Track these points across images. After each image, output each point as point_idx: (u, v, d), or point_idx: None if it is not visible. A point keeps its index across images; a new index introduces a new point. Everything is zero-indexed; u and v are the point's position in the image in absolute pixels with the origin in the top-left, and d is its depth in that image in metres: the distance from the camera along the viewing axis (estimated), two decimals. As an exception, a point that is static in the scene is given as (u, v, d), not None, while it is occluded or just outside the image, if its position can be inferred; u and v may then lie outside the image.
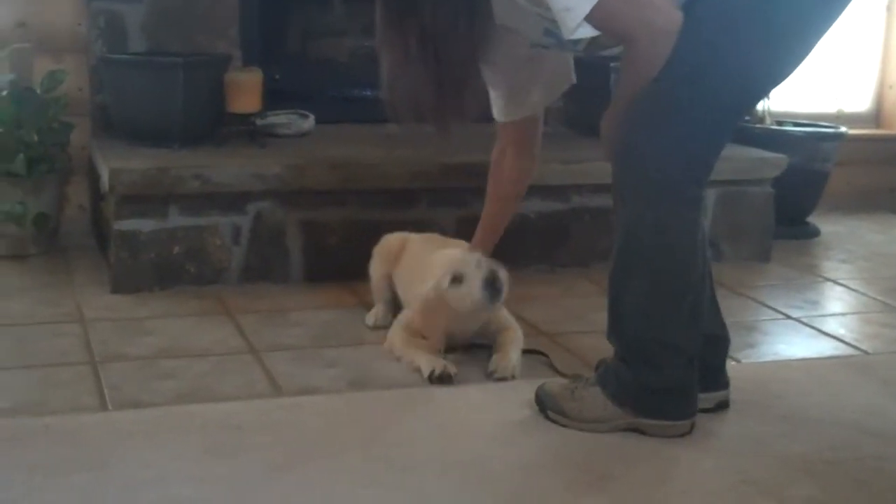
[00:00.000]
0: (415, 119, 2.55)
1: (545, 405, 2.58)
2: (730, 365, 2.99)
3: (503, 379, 2.83)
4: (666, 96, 2.38)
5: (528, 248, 3.88)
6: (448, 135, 2.59)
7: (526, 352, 3.01)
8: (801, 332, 3.41)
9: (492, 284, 2.83)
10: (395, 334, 3.03)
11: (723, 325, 2.72)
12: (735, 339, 3.19)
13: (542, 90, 2.85)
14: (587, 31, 2.37)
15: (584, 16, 2.32)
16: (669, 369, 2.50)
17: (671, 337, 2.48)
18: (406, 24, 2.43)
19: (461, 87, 2.50)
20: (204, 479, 2.25)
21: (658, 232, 2.42)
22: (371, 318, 3.26)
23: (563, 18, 2.35)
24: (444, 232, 3.76)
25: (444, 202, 3.80)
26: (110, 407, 2.63)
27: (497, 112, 2.87)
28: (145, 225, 3.51)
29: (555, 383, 2.63)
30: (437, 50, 2.42)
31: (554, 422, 2.56)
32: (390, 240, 3.32)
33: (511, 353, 2.93)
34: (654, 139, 2.38)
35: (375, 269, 3.31)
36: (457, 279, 2.86)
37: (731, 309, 3.53)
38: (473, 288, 2.83)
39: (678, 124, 2.38)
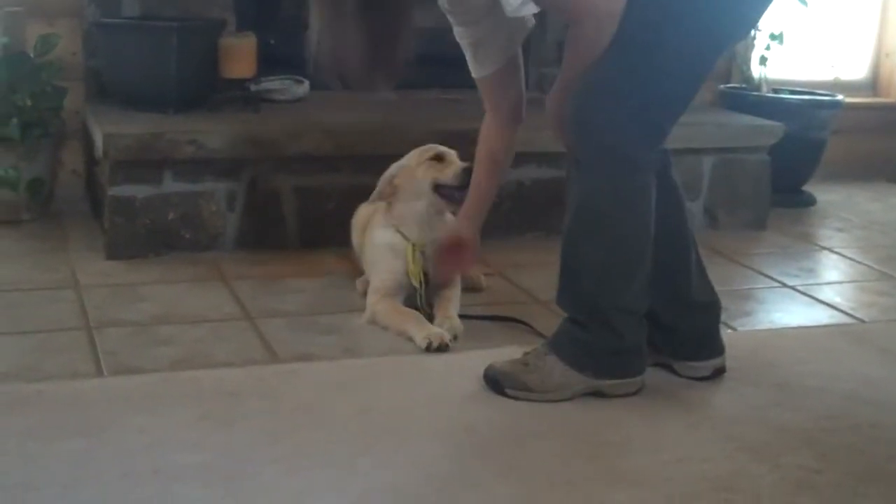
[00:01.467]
0: (343, 78, 2.46)
1: (501, 384, 2.56)
2: (725, 333, 2.99)
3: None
4: (618, 64, 2.39)
5: (523, 215, 3.87)
6: (375, 92, 2.67)
7: (506, 319, 3.04)
8: (797, 300, 3.41)
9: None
10: (375, 305, 3.02)
11: (712, 291, 2.74)
12: (731, 307, 3.22)
13: (504, 36, 2.76)
14: (530, 8, 2.42)
15: None
16: (625, 331, 2.54)
17: (627, 300, 2.52)
18: None
19: (397, 35, 2.42)
20: (200, 445, 2.25)
21: (613, 197, 2.45)
22: (359, 285, 3.25)
23: None
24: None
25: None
26: (105, 373, 2.62)
27: (472, 68, 2.81)
28: (140, 190, 3.49)
29: (503, 363, 2.60)
30: (373, 5, 2.36)
31: (515, 398, 2.54)
32: (361, 210, 3.33)
33: (452, 312, 3.00)
34: (607, 107, 2.40)
35: (354, 239, 3.33)
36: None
37: (726, 277, 3.55)
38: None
39: (631, 92, 2.40)
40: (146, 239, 3.51)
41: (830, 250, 4.03)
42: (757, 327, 3.17)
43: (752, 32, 4.75)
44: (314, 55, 2.49)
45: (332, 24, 2.40)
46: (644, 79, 2.41)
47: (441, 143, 3.61)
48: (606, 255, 2.50)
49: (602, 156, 2.43)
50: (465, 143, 3.69)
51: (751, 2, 2.50)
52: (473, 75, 2.83)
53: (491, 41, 2.74)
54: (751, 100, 4.66)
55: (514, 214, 3.83)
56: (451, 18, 2.69)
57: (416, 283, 3.01)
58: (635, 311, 2.55)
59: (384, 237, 3.10)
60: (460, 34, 2.75)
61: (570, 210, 2.53)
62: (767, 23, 4.74)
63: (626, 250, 2.50)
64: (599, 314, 2.52)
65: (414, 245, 3.03)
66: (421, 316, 2.94)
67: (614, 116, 2.40)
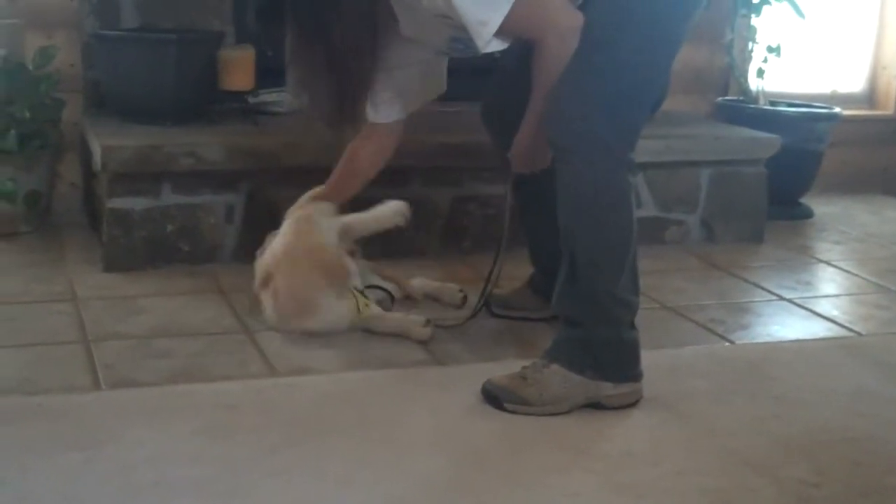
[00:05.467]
0: (321, 119, 2.93)
1: (500, 399, 2.57)
2: (723, 346, 3.01)
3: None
4: (583, 63, 2.55)
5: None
6: (344, 133, 2.98)
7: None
8: (795, 313, 3.41)
9: None
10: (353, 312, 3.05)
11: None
12: (728, 320, 3.24)
13: (419, 94, 3.04)
14: (498, 45, 2.60)
15: (497, 27, 2.54)
16: (621, 323, 2.60)
17: (620, 291, 2.58)
18: (316, 43, 2.68)
19: (359, 97, 2.80)
20: (198, 459, 2.25)
21: (599, 188, 2.55)
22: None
23: (477, 31, 2.56)
24: (437, 211, 3.77)
25: (438, 181, 3.79)
26: (103, 386, 2.62)
27: (374, 112, 3.02)
28: (138, 203, 3.49)
29: (500, 376, 2.62)
30: (342, 66, 2.69)
31: (514, 412, 2.55)
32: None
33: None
34: (580, 102, 2.53)
35: None
36: None
37: (724, 289, 3.56)
38: None
39: (598, 86, 2.53)
40: (144, 251, 3.51)
41: (828, 263, 4.03)
42: (755, 340, 3.17)
43: (750, 46, 4.77)
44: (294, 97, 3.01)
45: (305, 77, 2.80)
46: (607, 73, 2.53)
47: (441, 155, 3.65)
48: (597, 239, 2.57)
49: (581, 145, 2.53)
50: (466, 156, 3.72)
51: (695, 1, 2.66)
52: (372, 119, 3.03)
53: (407, 97, 3.00)
54: (748, 112, 4.67)
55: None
56: (382, 69, 2.89)
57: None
58: (628, 304, 2.60)
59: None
60: (387, 86, 2.96)
61: (559, 207, 2.59)
62: (765, 36, 4.76)
63: (615, 233, 2.57)
64: (595, 305, 2.57)
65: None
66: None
67: (586, 107, 2.52)
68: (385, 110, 3.02)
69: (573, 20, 2.56)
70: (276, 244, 3.03)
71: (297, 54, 2.77)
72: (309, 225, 3.03)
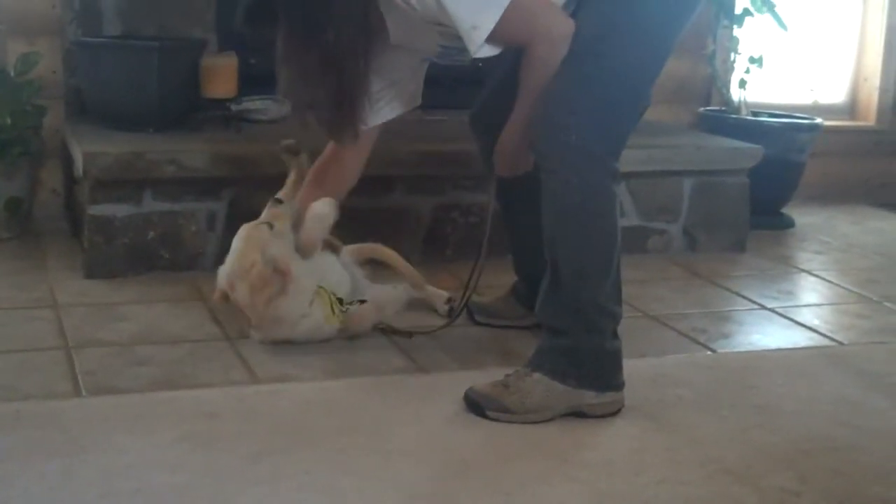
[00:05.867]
0: (320, 125, 2.88)
1: (482, 407, 2.57)
2: (705, 355, 3.01)
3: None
4: (572, 73, 2.56)
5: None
6: (346, 139, 2.87)
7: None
8: (777, 322, 3.42)
9: None
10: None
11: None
12: (710, 329, 3.25)
13: (397, 104, 2.99)
14: (490, 51, 2.60)
15: (489, 32, 2.54)
16: (604, 333, 2.60)
17: (604, 300, 2.59)
18: (308, 45, 2.65)
19: (355, 100, 2.74)
20: (180, 466, 2.24)
21: (586, 196, 2.55)
22: None
23: (469, 36, 2.56)
24: (419, 219, 3.77)
25: (421, 190, 3.79)
26: (84, 393, 2.61)
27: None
28: (120, 210, 3.48)
29: (483, 384, 2.61)
30: (336, 68, 2.66)
31: (496, 420, 2.55)
32: None
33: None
34: (568, 110, 2.54)
35: None
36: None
37: (706, 299, 3.56)
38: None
39: (585, 95, 2.55)
40: (126, 258, 3.50)
41: (809, 273, 4.04)
42: (736, 349, 3.17)
43: (732, 56, 4.79)
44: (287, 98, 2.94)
45: (298, 81, 2.76)
46: (595, 84, 2.55)
47: (424, 164, 3.65)
48: (582, 248, 2.57)
49: (567, 154, 2.54)
50: (449, 165, 3.72)
51: (686, 13, 2.67)
52: (362, 127, 2.93)
53: (386, 104, 2.95)
54: (730, 122, 4.69)
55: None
56: (378, 77, 2.85)
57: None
58: (612, 313, 2.61)
59: None
60: (388, 86, 2.92)
61: (544, 216, 2.59)
62: (748, 46, 4.78)
63: (599, 242, 2.58)
64: (579, 314, 2.57)
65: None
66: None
67: (573, 117, 2.53)
68: (368, 117, 2.97)
69: (565, 27, 2.58)
70: (227, 261, 2.98)
71: (288, 56, 2.74)
72: (252, 240, 2.94)
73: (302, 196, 3.04)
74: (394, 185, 3.73)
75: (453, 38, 2.61)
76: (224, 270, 2.96)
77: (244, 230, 2.98)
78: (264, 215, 3.00)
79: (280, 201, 3.04)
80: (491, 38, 2.57)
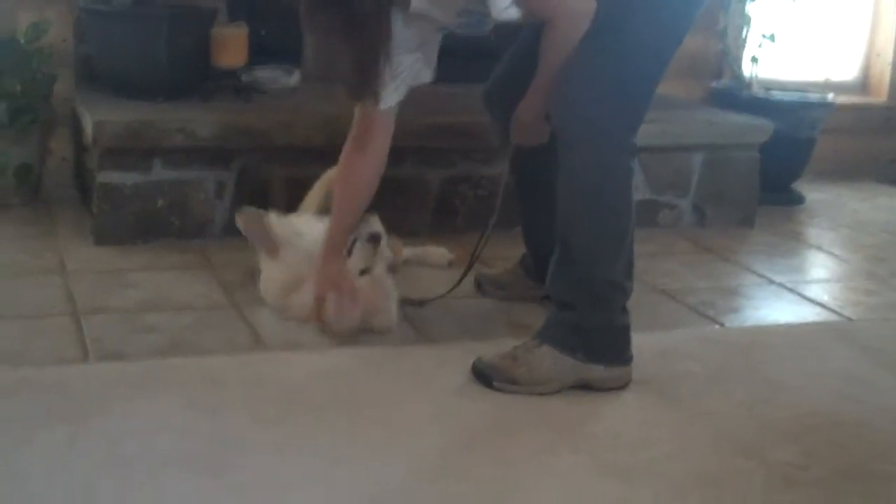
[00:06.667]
0: (344, 89, 2.78)
1: (489, 377, 2.57)
2: (714, 329, 3.01)
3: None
4: (592, 48, 2.56)
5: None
6: (368, 102, 2.79)
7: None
8: (785, 297, 3.41)
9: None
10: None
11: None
12: (718, 303, 3.25)
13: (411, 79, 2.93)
14: (513, 13, 2.58)
15: None
16: (614, 308, 2.60)
17: (616, 276, 2.59)
18: (332, 11, 2.58)
19: (377, 67, 2.67)
20: (186, 433, 2.24)
21: (602, 172, 2.55)
22: None
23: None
24: (429, 191, 3.76)
25: (430, 162, 3.78)
26: (92, 359, 2.62)
27: (388, 98, 2.87)
28: (129, 178, 3.48)
29: (491, 356, 2.62)
30: (359, 34, 2.59)
31: (501, 391, 2.55)
32: None
33: None
34: (586, 85, 2.54)
35: None
36: None
37: (715, 273, 3.56)
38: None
39: (605, 71, 2.54)
40: (134, 226, 3.50)
41: (818, 248, 4.03)
42: (744, 324, 3.17)
43: (745, 32, 4.77)
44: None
45: (324, 43, 2.69)
46: (615, 59, 2.54)
47: (434, 136, 3.63)
48: (597, 225, 2.57)
49: (585, 130, 2.53)
50: (459, 137, 3.71)
51: None
52: (383, 106, 2.85)
53: (409, 79, 2.89)
54: (742, 98, 4.67)
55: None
56: (402, 49, 2.77)
57: None
58: (623, 288, 2.61)
59: None
60: (408, 62, 2.84)
61: (560, 192, 2.58)
62: (760, 22, 4.76)
63: (615, 219, 2.58)
64: (590, 289, 2.57)
65: None
66: None
67: (592, 92, 2.53)
68: (392, 94, 2.92)
69: (586, 5, 2.57)
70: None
71: (311, 17, 2.67)
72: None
73: (344, 161, 2.94)
74: (404, 156, 3.72)
75: (476, 1, 2.58)
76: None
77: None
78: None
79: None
80: (514, 2, 2.55)
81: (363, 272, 2.86)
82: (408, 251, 3.38)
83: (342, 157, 2.92)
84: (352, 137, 2.90)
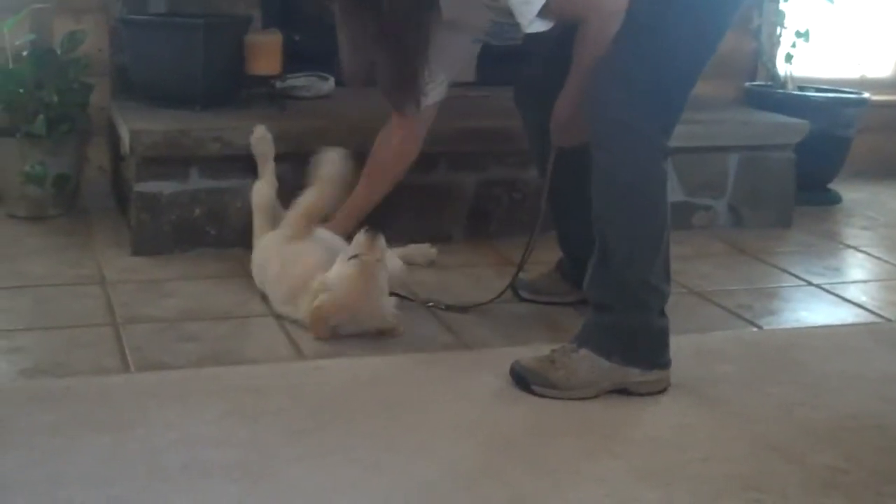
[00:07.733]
0: (384, 96, 2.95)
1: (527, 381, 2.57)
2: (751, 331, 2.99)
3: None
4: (627, 48, 2.55)
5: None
6: (408, 110, 2.94)
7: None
8: (823, 298, 3.40)
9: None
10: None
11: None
12: (756, 305, 3.23)
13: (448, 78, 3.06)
14: (542, 25, 2.60)
15: (540, 6, 2.55)
16: (651, 311, 2.59)
17: (653, 278, 2.58)
18: (365, 15, 2.65)
19: (414, 71, 2.76)
20: (226, 442, 2.26)
21: (636, 175, 2.55)
22: None
23: (521, 11, 2.57)
24: (463, 195, 3.76)
25: (464, 166, 3.79)
26: (132, 369, 2.64)
27: (429, 96, 3.03)
28: (166, 187, 3.50)
29: (529, 359, 2.62)
30: (392, 40, 2.67)
31: (541, 395, 2.55)
32: None
33: None
34: (619, 85, 2.52)
35: None
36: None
37: (751, 275, 3.55)
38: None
39: (640, 72, 2.53)
40: (172, 235, 3.53)
41: (856, 249, 4.01)
42: (783, 326, 3.16)
43: (778, 30, 4.75)
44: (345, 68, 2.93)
45: (358, 48, 2.78)
46: (651, 59, 2.54)
47: (467, 140, 3.63)
48: (632, 226, 2.57)
49: (619, 132, 2.53)
50: (492, 141, 3.71)
51: None
52: (428, 102, 3.02)
53: (446, 79, 3.03)
54: (776, 97, 4.65)
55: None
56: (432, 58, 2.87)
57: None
58: (661, 293, 2.60)
59: None
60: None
61: (594, 194, 2.59)
62: (794, 20, 4.73)
63: (650, 221, 2.57)
64: (627, 291, 2.57)
65: None
66: None
67: (627, 93, 2.52)
68: (430, 94, 3.02)
69: (616, 4, 2.56)
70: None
71: (344, 25, 2.74)
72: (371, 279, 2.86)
73: (376, 150, 3.18)
74: (437, 161, 3.73)
75: (504, 13, 2.60)
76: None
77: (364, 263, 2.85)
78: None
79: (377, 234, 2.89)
80: (543, 13, 2.57)
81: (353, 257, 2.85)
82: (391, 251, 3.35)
83: (380, 133, 3.14)
84: (391, 118, 3.10)
